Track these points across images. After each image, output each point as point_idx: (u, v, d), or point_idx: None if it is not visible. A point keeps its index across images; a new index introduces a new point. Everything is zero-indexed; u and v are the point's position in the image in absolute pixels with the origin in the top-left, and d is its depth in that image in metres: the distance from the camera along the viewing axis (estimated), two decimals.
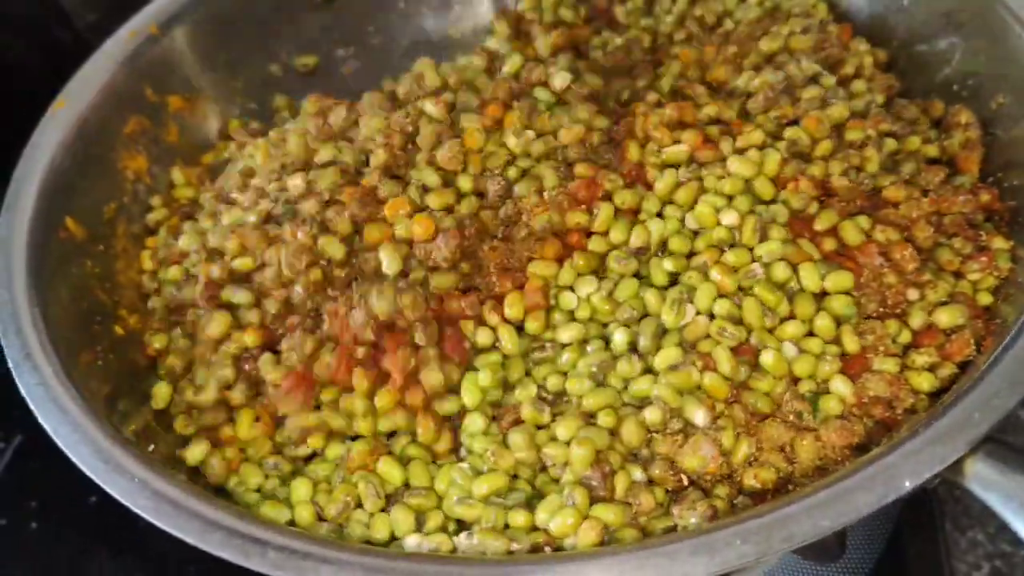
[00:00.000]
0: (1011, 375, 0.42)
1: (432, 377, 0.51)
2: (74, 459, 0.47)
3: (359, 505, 0.49)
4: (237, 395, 0.55)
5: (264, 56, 0.79)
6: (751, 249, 0.54)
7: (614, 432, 0.49)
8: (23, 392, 0.50)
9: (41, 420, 0.49)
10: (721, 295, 0.52)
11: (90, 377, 0.55)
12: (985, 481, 0.40)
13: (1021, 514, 0.40)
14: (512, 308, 0.53)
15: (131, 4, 0.73)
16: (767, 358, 0.50)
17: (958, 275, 0.53)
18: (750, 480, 0.47)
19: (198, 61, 0.75)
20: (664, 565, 0.39)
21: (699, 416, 0.48)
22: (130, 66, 0.70)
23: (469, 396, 0.51)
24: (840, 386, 0.49)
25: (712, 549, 0.39)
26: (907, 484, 0.39)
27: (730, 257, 0.53)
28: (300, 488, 0.51)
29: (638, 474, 0.48)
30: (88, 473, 0.46)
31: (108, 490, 0.46)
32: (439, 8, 0.83)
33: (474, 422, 0.51)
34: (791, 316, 0.51)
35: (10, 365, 0.52)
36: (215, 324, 0.55)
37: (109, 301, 0.62)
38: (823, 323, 0.50)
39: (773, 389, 0.49)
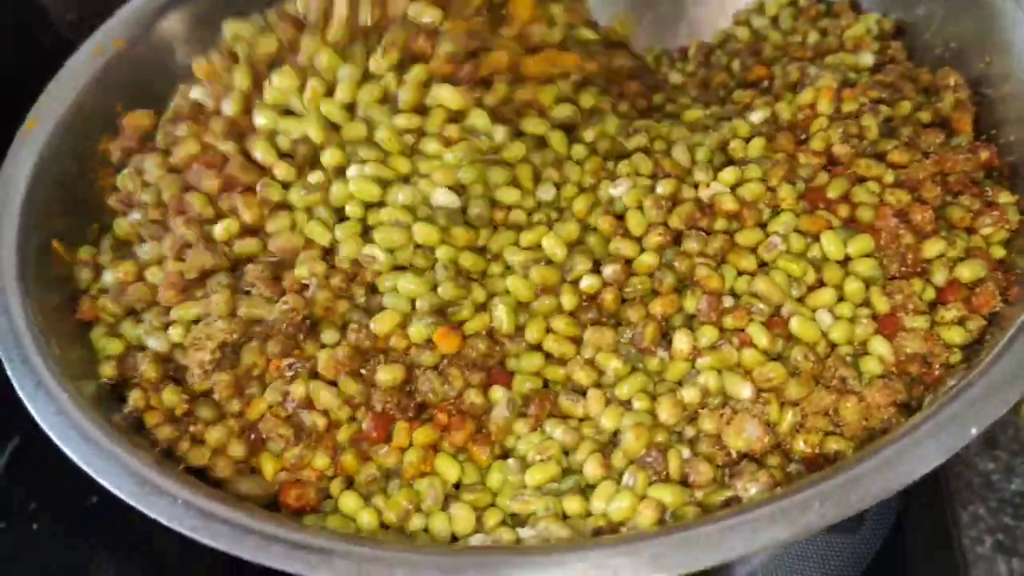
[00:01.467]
0: None
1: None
2: (112, 489, 0.45)
3: (418, 510, 0.48)
4: (238, 449, 0.52)
5: None
6: (764, 225, 0.54)
7: (652, 414, 0.49)
8: (41, 423, 0.48)
9: (67, 451, 0.47)
10: (742, 273, 0.53)
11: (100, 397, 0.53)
12: None
13: None
14: None
15: (112, 2, 0.71)
16: (796, 325, 0.50)
17: (970, 231, 0.54)
18: (799, 446, 0.47)
19: (165, 75, 0.73)
20: (746, 534, 0.39)
21: (746, 391, 0.48)
22: (98, 82, 0.67)
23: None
24: (879, 346, 0.49)
25: (791, 513, 0.39)
26: (973, 431, 0.40)
27: (742, 238, 0.54)
28: (347, 501, 0.49)
29: (686, 453, 0.48)
30: (129, 500, 0.44)
31: (151, 514, 0.44)
32: None
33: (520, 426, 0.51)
34: (819, 284, 0.52)
35: (21, 395, 0.49)
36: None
37: None
38: (853, 287, 0.51)
39: (808, 355, 0.49)
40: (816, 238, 0.53)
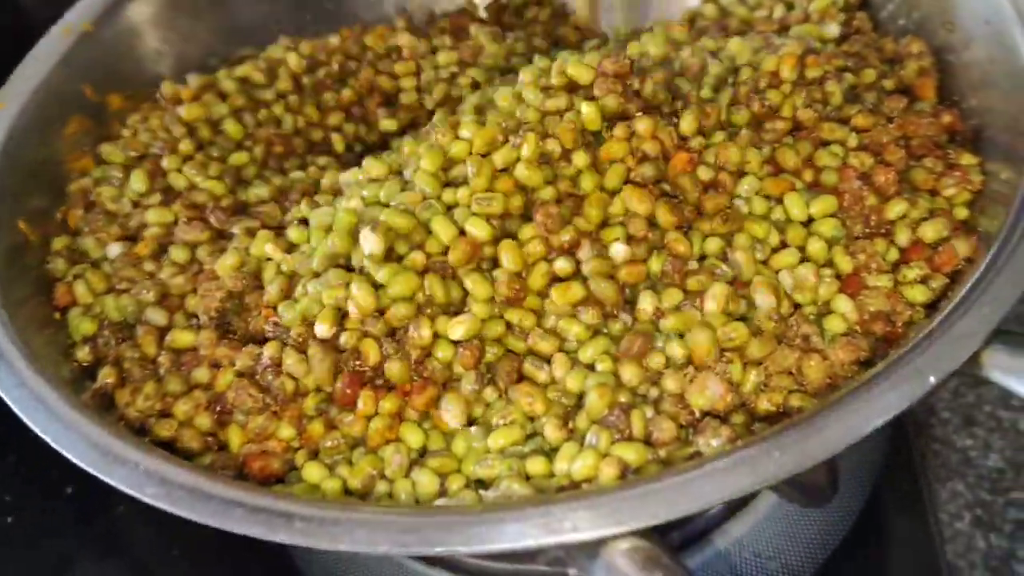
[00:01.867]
0: (1012, 272, 0.44)
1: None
2: (71, 456, 0.44)
3: (382, 476, 0.48)
4: (204, 421, 0.52)
5: (203, 50, 0.76)
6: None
7: (616, 375, 0.49)
8: (3, 395, 0.48)
9: (28, 421, 0.46)
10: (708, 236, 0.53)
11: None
12: (1004, 368, 0.41)
13: None
14: None
15: None
16: (756, 286, 0.50)
17: (933, 193, 0.54)
18: (764, 404, 0.47)
19: (135, 57, 0.73)
20: (706, 486, 0.39)
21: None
22: (66, 65, 0.67)
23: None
24: (842, 305, 0.50)
25: (752, 463, 0.39)
26: (932, 380, 0.40)
27: (709, 203, 0.54)
28: (312, 471, 0.49)
29: (649, 412, 0.48)
30: (90, 470, 0.44)
31: (111, 482, 0.43)
32: None
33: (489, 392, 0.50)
34: (781, 246, 0.52)
35: None
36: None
37: None
38: (815, 247, 0.51)
39: (770, 315, 0.49)
40: (780, 200, 0.53)
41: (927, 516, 0.73)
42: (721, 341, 0.48)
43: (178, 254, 0.59)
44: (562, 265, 0.51)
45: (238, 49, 0.78)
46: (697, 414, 0.47)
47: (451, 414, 0.49)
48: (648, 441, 0.46)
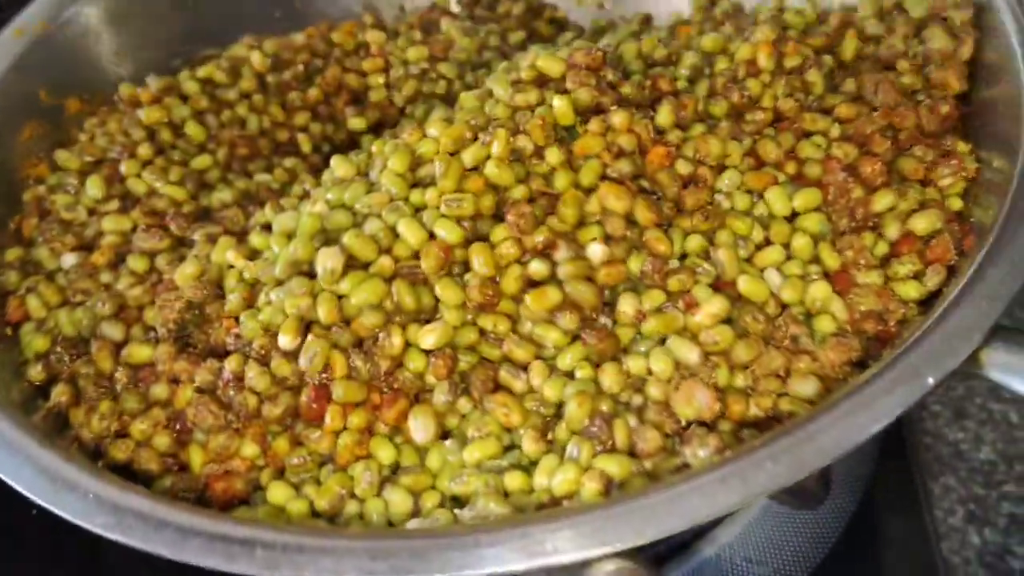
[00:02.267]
0: (1010, 264, 0.42)
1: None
2: (15, 484, 0.42)
3: (352, 496, 0.45)
4: (163, 440, 0.49)
5: (165, 51, 0.74)
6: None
7: (596, 382, 0.47)
8: None
9: None
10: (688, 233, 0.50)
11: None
12: (1004, 366, 0.39)
13: None
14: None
15: None
16: (744, 284, 0.48)
17: (924, 183, 0.52)
18: (752, 410, 0.45)
19: (93, 59, 0.70)
20: (695, 501, 0.36)
21: (693, 355, 0.46)
22: (20, 67, 0.65)
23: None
24: (831, 303, 0.47)
25: (743, 474, 0.36)
26: (930, 381, 0.38)
27: (689, 200, 0.51)
28: (277, 491, 0.46)
29: (633, 421, 0.45)
30: (34, 498, 0.41)
31: (59, 513, 0.41)
32: None
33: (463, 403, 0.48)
34: (766, 243, 0.50)
35: None
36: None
37: None
38: (800, 243, 0.49)
39: (756, 316, 0.47)
40: (762, 195, 0.51)
41: (922, 513, 0.71)
42: (705, 345, 0.46)
43: (136, 263, 0.56)
44: (537, 268, 0.48)
45: (200, 49, 0.75)
46: (683, 422, 0.45)
47: (419, 431, 0.46)
48: (632, 452, 0.44)
